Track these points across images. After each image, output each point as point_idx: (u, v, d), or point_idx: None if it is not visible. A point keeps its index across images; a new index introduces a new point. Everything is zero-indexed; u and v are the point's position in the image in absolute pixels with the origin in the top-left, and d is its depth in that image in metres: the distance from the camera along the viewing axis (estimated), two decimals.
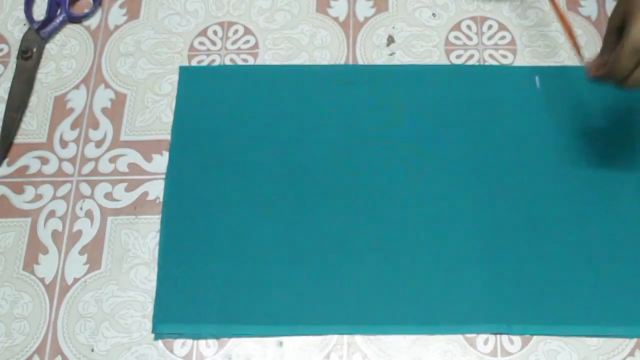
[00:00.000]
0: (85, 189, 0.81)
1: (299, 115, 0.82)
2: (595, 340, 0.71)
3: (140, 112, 0.85)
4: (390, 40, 0.87)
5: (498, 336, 0.72)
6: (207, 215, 0.78)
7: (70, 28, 0.91)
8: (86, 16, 0.91)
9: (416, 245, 0.75)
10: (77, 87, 0.87)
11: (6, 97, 0.85)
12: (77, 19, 0.91)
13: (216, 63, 0.87)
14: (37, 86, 0.87)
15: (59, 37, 0.90)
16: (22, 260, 0.77)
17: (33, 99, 0.86)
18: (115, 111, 0.85)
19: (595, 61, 0.72)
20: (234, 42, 0.88)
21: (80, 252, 0.77)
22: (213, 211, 0.78)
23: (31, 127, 0.85)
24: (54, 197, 0.80)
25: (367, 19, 0.89)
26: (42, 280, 0.76)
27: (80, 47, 0.89)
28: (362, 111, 0.82)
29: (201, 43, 0.89)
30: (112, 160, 0.82)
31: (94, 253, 0.77)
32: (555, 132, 0.80)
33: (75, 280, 0.76)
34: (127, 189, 0.80)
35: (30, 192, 0.81)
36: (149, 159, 0.82)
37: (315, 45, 0.88)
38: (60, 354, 0.73)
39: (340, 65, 0.86)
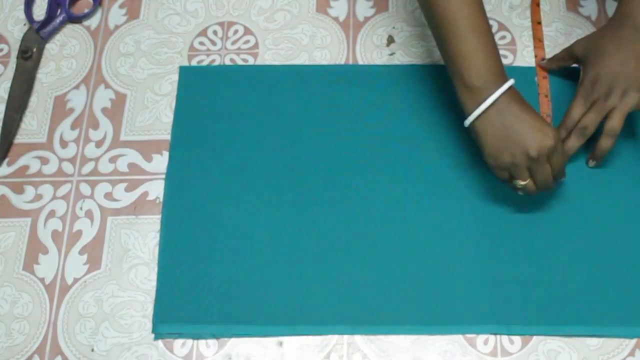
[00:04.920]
0: (85, 189, 0.81)
1: (299, 115, 0.82)
2: (595, 340, 0.71)
3: (140, 112, 0.85)
4: (390, 40, 0.87)
5: (498, 336, 0.72)
6: (207, 215, 0.78)
7: (70, 28, 0.91)
8: (86, 16, 0.91)
9: (416, 246, 0.75)
10: (77, 87, 0.87)
11: (6, 97, 0.85)
12: (77, 19, 0.91)
13: (216, 63, 0.87)
14: (37, 86, 0.87)
15: (59, 37, 0.90)
16: (22, 260, 0.77)
17: (33, 99, 0.86)
18: (115, 111, 0.85)
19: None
20: (234, 42, 0.88)
21: (80, 252, 0.77)
22: (213, 211, 0.78)
23: (31, 127, 0.85)
24: (54, 197, 0.80)
25: (367, 19, 0.89)
26: (42, 280, 0.76)
27: (80, 47, 0.89)
28: (362, 111, 0.82)
29: (201, 43, 0.89)
30: (112, 160, 0.82)
31: (94, 253, 0.77)
32: None
33: (75, 280, 0.76)
34: (127, 189, 0.80)
35: (30, 192, 0.81)
36: (149, 159, 0.82)
37: (315, 45, 0.87)
38: (60, 354, 0.73)
39: (340, 65, 0.86)
